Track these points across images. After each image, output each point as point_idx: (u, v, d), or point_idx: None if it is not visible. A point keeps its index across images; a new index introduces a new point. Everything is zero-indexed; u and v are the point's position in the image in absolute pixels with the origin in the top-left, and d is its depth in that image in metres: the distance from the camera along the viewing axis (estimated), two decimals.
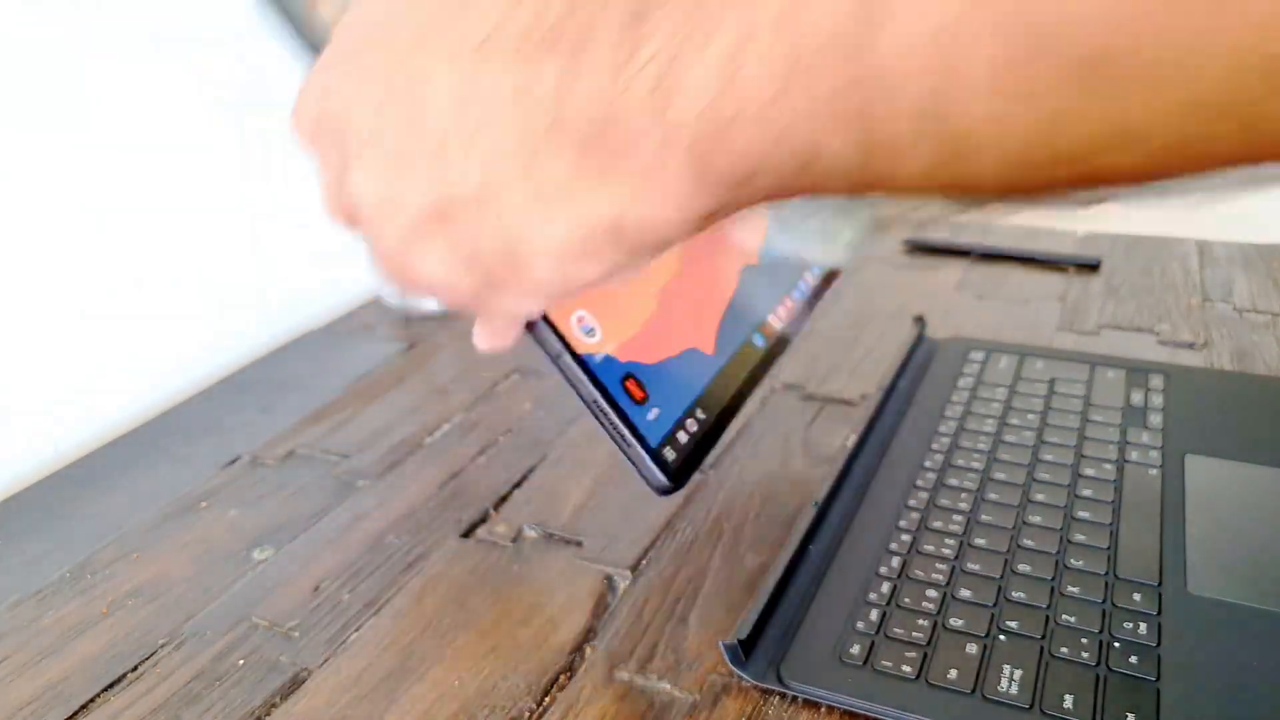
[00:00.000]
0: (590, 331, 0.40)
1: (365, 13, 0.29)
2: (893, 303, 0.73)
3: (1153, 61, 0.18)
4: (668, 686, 0.39)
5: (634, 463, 0.39)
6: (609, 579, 0.46)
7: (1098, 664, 0.38)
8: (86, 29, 0.59)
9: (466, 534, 0.50)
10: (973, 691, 0.37)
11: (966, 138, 0.20)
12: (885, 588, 0.42)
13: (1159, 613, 0.41)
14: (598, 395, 0.38)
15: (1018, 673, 0.38)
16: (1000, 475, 0.50)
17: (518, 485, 0.54)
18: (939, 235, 0.85)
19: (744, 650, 0.39)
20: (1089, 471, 0.50)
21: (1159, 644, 0.39)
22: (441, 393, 0.64)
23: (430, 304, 0.76)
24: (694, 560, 0.47)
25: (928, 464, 0.51)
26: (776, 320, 0.52)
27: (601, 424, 0.38)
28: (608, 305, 0.41)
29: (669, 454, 0.40)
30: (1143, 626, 0.40)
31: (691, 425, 0.42)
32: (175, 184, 0.66)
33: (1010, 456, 0.52)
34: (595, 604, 0.44)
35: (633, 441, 0.38)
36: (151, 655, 0.42)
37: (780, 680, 0.38)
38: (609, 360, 0.40)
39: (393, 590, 0.46)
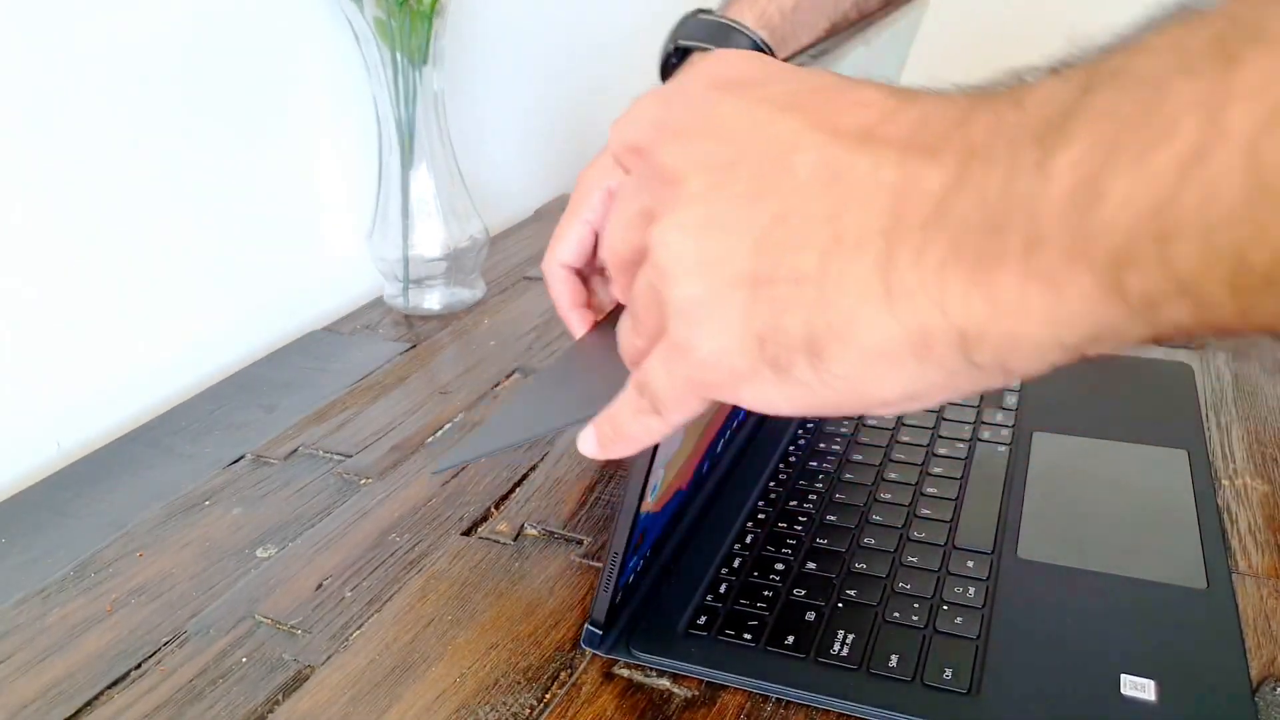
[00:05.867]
0: (654, 490, 0.39)
1: (725, 65, 0.27)
2: None
3: None
4: (667, 683, 0.39)
5: (596, 598, 0.40)
6: None
7: (926, 626, 0.40)
8: (83, 32, 0.60)
9: (468, 532, 0.50)
10: (808, 655, 0.39)
11: None
12: (737, 563, 0.44)
13: (989, 577, 0.43)
14: (621, 550, 0.38)
15: (850, 637, 0.40)
16: (858, 457, 0.53)
17: (519, 484, 0.54)
18: None
19: (605, 629, 0.40)
20: (942, 451, 0.53)
21: (985, 605, 0.41)
22: (443, 392, 0.65)
23: (433, 306, 0.76)
24: None
25: (791, 448, 0.54)
26: (721, 444, 0.51)
27: (605, 563, 0.39)
28: (676, 458, 0.40)
29: (618, 599, 0.40)
30: (972, 590, 0.42)
31: (639, 565, 0.42)
32: (177, 183, 0.66)
33: (869, 439, 0.54)
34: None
35: (610, 586, 0.39)
36: (155, 653, 0.43)
37: (630, 653, 0.40)
38: (646, 515, 0.39)
39: (395, 588, 0.46)
